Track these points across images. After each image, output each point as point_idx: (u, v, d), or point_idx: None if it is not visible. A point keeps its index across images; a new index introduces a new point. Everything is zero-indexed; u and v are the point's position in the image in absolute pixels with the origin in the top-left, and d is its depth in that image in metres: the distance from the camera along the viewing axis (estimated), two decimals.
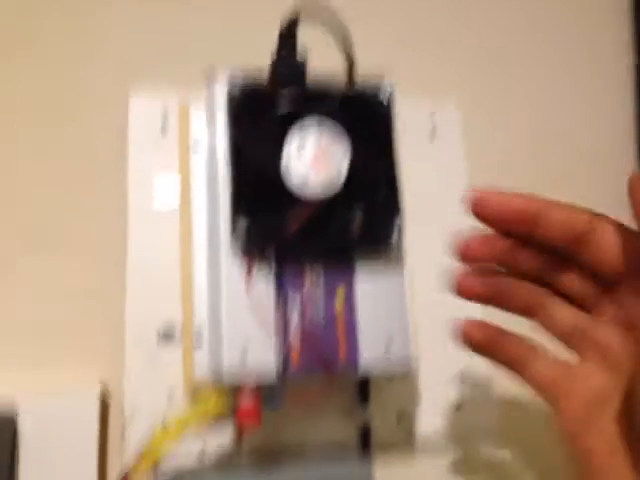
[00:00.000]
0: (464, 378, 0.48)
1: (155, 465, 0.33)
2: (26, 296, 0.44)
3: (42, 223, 0.45)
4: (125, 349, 0.43)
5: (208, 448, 0.43)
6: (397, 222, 0.33)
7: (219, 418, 0.36)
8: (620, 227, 0.26)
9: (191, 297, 0.38)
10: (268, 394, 0.34)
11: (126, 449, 0.42)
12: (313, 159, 0.31)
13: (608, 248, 0.26)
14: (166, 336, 0.43)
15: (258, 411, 0.33)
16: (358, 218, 0.32)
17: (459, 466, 0.47)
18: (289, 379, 0.33)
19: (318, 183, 0.31)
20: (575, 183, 0.54)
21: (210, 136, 0.35)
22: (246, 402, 0.33)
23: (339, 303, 0.34)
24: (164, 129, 0.44)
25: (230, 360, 0.32)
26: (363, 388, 0.45)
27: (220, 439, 0.43)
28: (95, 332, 0.45)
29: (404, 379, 0.41)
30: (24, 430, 0.40)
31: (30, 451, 0.40)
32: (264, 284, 0.33)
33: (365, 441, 0.45)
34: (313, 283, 0.34)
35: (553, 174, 0.54)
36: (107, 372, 0.44)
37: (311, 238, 0.31)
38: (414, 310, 0.37)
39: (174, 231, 0.42)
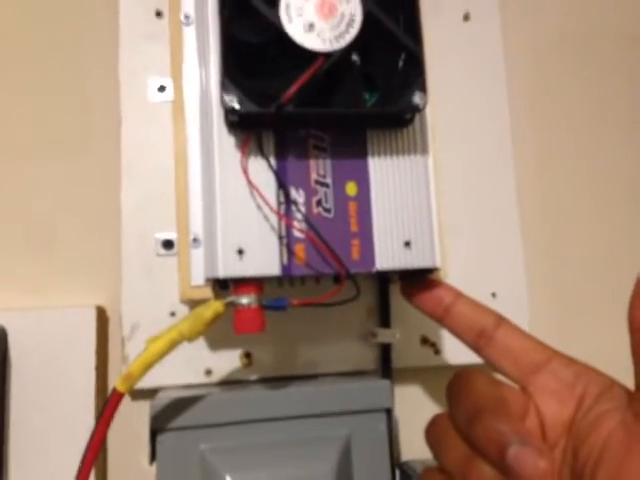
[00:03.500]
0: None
1: (142, 375, 0.29)
2: (17, 206, 0.41)
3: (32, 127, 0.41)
4: (122, 260, 0.39)
5: (215, 367, 0.40)
6: (418, 99, 0.28)
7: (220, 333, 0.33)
8: (520, 332, 0.29)
9: (186, 198, 0.34)
10: (271, 300, 0.29)
11: (127, 364, 0.39)
12: (319, 3, 0.25)
13: (514, 345, 0.28)
14: (166, 244, 0.39)
15: (259, 315, 0.29)
16: (374, 85, 0.27)
17: None
18: (293, 276, 0.29)
19: (324, 32, 0.25)
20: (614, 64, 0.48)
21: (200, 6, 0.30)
22: (245, 304, 0.28)
23: (351, 190, 0.29)
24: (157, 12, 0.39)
25: (226, 250, 0.28)
26: (384, 312, 0.41)
27: (228, 359, 0.40)
28: (92, 243, 0.41)
29: None
30: (15, 345, 0.37)
31: (22, 367, 0.37)
32: (262, 165, 0.28)
33: (386, 364, 0.41)
34: (320, 169, 0.29)
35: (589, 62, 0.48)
36: (105, 287, 0.41)
37: (315, 103, 0.26)
38: (441, 204, 0.32)
39: (169, 124, 0.37)
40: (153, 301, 0.39)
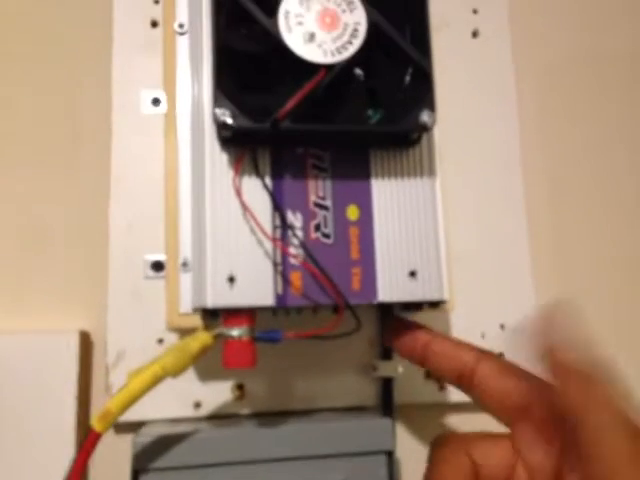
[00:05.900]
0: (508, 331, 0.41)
1: (121, 413, 0.26)
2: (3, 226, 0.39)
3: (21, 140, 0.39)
4: (109, 282, 0.37)
5: (205, 400, 0.38)
6: (426, 117, 0.26)
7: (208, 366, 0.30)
8: (505, 367, 0.26)
9: (176, 218, 0.32)
10: (264, 332, 0.27)
11: (111, 395, 0.36)
12: (320, 13, 0.23)
13: (492, 389, 0.26)
14: (156, 266, 0.37)
15: (250, 348, 0.26)
16: (377, 101, 0.24)
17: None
18: (289, 307, 0.27)
19: (325, 43, 0.23)
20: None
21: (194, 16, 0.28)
22: (236, 336, 0.26)
23: (353, 214, 0.27)
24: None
25: (216, 277, 0.26)
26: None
27: (218, 391, 0.38)
28: (77, 264, 0.39)
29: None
30: None
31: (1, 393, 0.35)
32: (257, 185, 0.26)
33: (387, 399, 0.38)
34: (319, 190, 0.27)
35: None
36: (90, 310, 0.38)
37: (314, 119, 0.24)
38: (448, 230, 0.29)
39: (162, 139, 0.35)
40: (140, 327, 0.37)
